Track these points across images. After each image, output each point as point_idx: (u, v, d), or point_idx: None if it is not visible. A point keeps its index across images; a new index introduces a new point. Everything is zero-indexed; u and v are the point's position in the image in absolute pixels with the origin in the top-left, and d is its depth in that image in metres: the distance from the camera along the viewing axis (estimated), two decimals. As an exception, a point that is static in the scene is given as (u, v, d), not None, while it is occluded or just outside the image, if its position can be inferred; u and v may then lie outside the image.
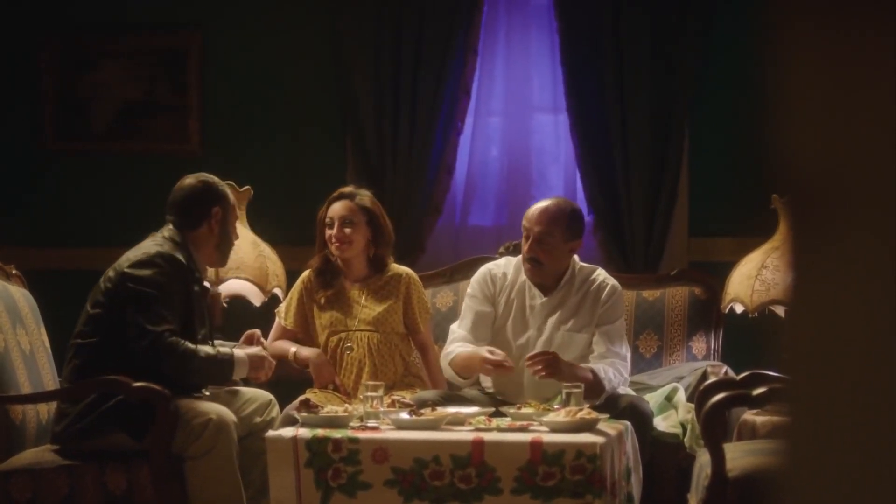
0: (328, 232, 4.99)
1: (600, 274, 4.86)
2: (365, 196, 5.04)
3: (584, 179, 5.82)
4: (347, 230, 4.96)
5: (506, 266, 4.92)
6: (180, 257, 4.43)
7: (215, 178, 4.66)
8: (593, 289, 4.80)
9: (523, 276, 4.85)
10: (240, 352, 4.50)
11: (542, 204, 4.81)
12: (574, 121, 5.80)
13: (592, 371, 4.56)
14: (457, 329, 4.86)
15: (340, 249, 4.98)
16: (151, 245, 4.45)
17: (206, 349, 4.41)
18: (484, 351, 4.58)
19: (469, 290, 4.94)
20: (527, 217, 4.78)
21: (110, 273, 4.43)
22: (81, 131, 6.21)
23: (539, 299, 4.81)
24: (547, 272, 4.78)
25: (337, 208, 4.99)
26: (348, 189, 5.08)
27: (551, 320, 4.78)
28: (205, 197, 4.58)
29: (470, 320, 4.84)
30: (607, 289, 4.80)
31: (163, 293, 4.35)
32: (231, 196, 4.68)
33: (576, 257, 4.86)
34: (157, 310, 4.32)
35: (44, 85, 6.22)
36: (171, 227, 4.54)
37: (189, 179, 4.63)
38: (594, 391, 4.50)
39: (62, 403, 4.42)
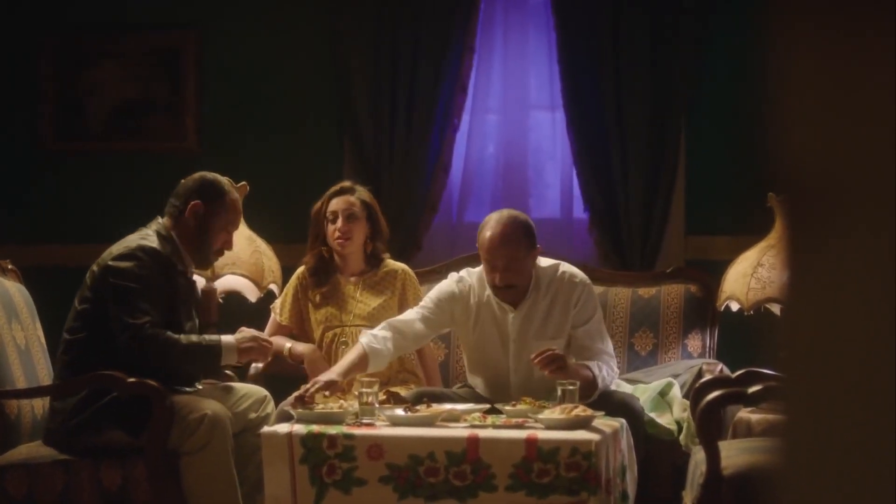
0: (330, 227, 4.98)
1: (565, 270, 4.73)
2: (363, 191, 5.04)
3: (580, 177, 5.82)
4: (350, 224, 4.95)
5: (470, 279, 4.79)
6: (162, 249, 4.42)
7: (218, 179, 4.61)
8: (561, 290, 4.69)
9: (488, 291, 4.73)
10: (227, 336, 4.47)
11: (496, 232, 4.59)
12: (571, 118, 5.80)
13: (589, 368, 4.54)
14: (410, 311, 4.77)
15: (342, 245, 4.97)
16: (135, 238, 4.44)
17: (189, 337, 4.38)
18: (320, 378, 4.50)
19: (432, 292, 4.81)
20: (486, 250, 4.59)
21: (94, 268, 4.43)
22: (79, 130, 6.22)
23: (510, 313, 4.70)
24: (521, 290, 4.68)
25: (339, 202, 4.98)
26: (347, 184, 5.08)
27: (524, 331, 4.69)
28: (192, 188, 4.55)
29: (419, 313, 4.72)
30: (576, 288, 4.68)
31: (143, 286, 4.33)
32: (229, 203, 4.59)
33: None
34: (137, 303, 4.30)
35: (42, 84, 6.22)
36: (159, 218, 4.54)
37: (196, 174, 4.63)
38: (589, 389, 4.49)
39: (53, 401, 4.41)
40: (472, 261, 5.21)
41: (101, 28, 6.21)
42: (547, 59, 5.95)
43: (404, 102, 5.87)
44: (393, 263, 5.10)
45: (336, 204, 4.98)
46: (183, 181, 4.62)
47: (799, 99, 0.97)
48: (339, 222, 4.95)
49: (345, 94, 5.95)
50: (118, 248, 4.41)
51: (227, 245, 4.62)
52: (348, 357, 4.60)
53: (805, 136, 0.97)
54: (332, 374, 4.50)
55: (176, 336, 4.33)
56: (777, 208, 4.94)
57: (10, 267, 4.81)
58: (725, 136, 5.76)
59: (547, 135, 6.02)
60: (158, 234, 4.46)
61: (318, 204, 5.04)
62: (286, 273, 5.31)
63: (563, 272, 4.72)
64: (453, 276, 4.84)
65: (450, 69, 5.84)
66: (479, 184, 6.02)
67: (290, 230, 5.62)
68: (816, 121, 0.96)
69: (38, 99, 6.22)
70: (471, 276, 4.80)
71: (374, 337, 4.60)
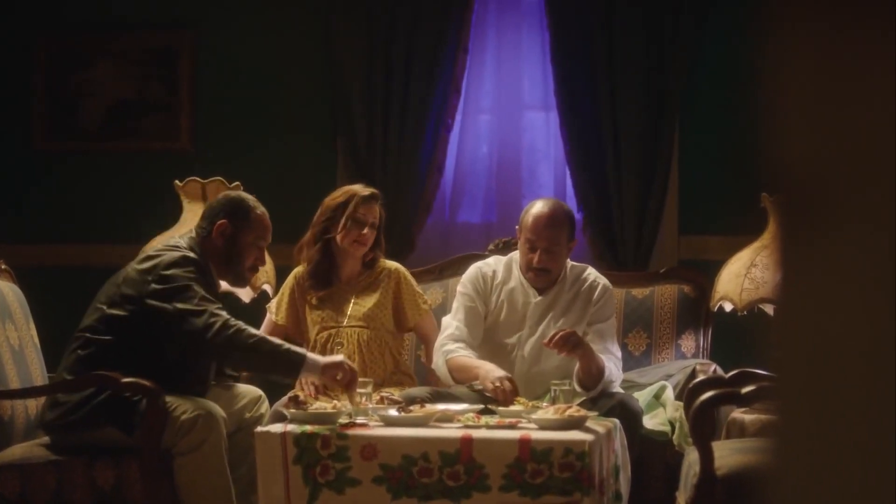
0: (354, 229, 4.93)
1: (591, 273, 4.87)
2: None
3: (574, 177, 5.82)
4: (373, 233, 4.96)
5: (495, 265, 4.91)
6: (201, 262, 4.42)
7: (242, 197, 4.61)
8: (584, 288, 4.81)
9: (515, 276, 4.84)
10: (317, 357, 4.43)
11: (543, 212, 4.74)
12: (564, 118, 5.80)
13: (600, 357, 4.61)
14: (451, 321, 4.83)
15: (357, 249, 4.96)
16: (174, 251, 4.41)
17: (274, 340, 4.38)
18: (493, 375, 4.53)
19: (461, 287, 4.92)
20: (530, 229, 4.72)
21: (134, 277, 4.37)
22: (74, 130, 6.22)
23: (533, 298, 4.81)
24: (553, 277, 4.80)
25: (372, 210, 4.96)
26: (377, 192, 5.04)
27: (542, 318, 4.79)
28: (217, 208, 4.55)
29: (464, 315, 4.82)
30: (599, 288, 4.81)
31: (195, 283, 4.32)
32: (255, 219, 4.57)
33: None
34: (198, 294, 4.29)
35: (36, 83, 6.22)
36: (192, 233, 4.52)
37: (221, 194, 4.64)
38: (598, 377, 4.53)
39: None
40: (467, 261, 5.23)
41: (96, 28, 6.22)
42: (540, 60, 5.96)
43: (398, 103, 5.87)
44: (386, 263, 5.10)
45: (372, 211, 4.95)
46: (209, 202, 4.61)
47: (795, 97, 0.97)
48: (367, 229, 4.94)
49: (339, 95, 5.95)
50: (162, 256, 4.37)
51: (260, 261, 4.61)
52: (473, 363, 4.67)
53: (800, 135, 0.97)
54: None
55: (263, 335, 4.34)
56: (771, 208, 4.94)
57: (3, 267, 4.80)
58: (719, 135, 5.76)
59: (540, 135, 6.03)
60: (191, 250, 4.44)
61: (341, 198, 4.98)
62: (280, 273, 5.30)
63: (590, 273, 4.88)
64: (475, 265, 4.96)
65: (443, 69, 5.84)
66: (473, 184, 6.02)
67: (283, 230, 5.61)
68: (812, 119, 0.96)
69: (33, 99, 6.22)
70: (497, 260, 4.94)
71: (457, 350, 4.72)
